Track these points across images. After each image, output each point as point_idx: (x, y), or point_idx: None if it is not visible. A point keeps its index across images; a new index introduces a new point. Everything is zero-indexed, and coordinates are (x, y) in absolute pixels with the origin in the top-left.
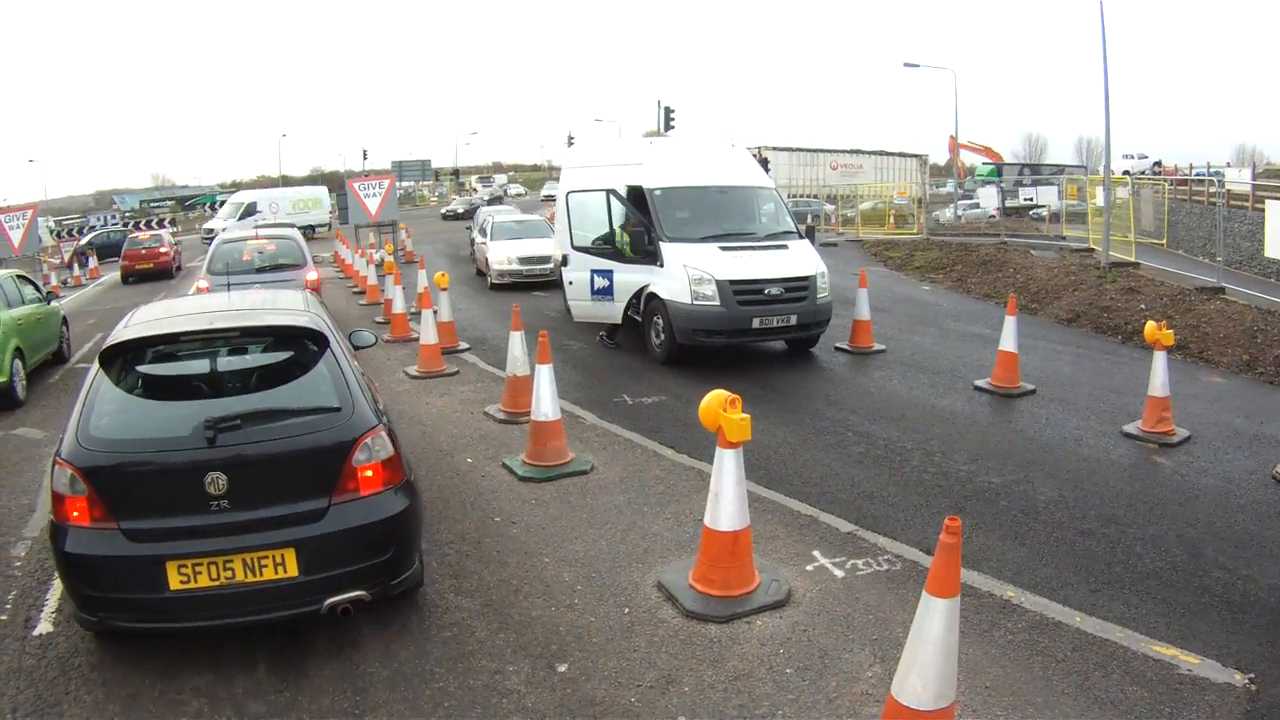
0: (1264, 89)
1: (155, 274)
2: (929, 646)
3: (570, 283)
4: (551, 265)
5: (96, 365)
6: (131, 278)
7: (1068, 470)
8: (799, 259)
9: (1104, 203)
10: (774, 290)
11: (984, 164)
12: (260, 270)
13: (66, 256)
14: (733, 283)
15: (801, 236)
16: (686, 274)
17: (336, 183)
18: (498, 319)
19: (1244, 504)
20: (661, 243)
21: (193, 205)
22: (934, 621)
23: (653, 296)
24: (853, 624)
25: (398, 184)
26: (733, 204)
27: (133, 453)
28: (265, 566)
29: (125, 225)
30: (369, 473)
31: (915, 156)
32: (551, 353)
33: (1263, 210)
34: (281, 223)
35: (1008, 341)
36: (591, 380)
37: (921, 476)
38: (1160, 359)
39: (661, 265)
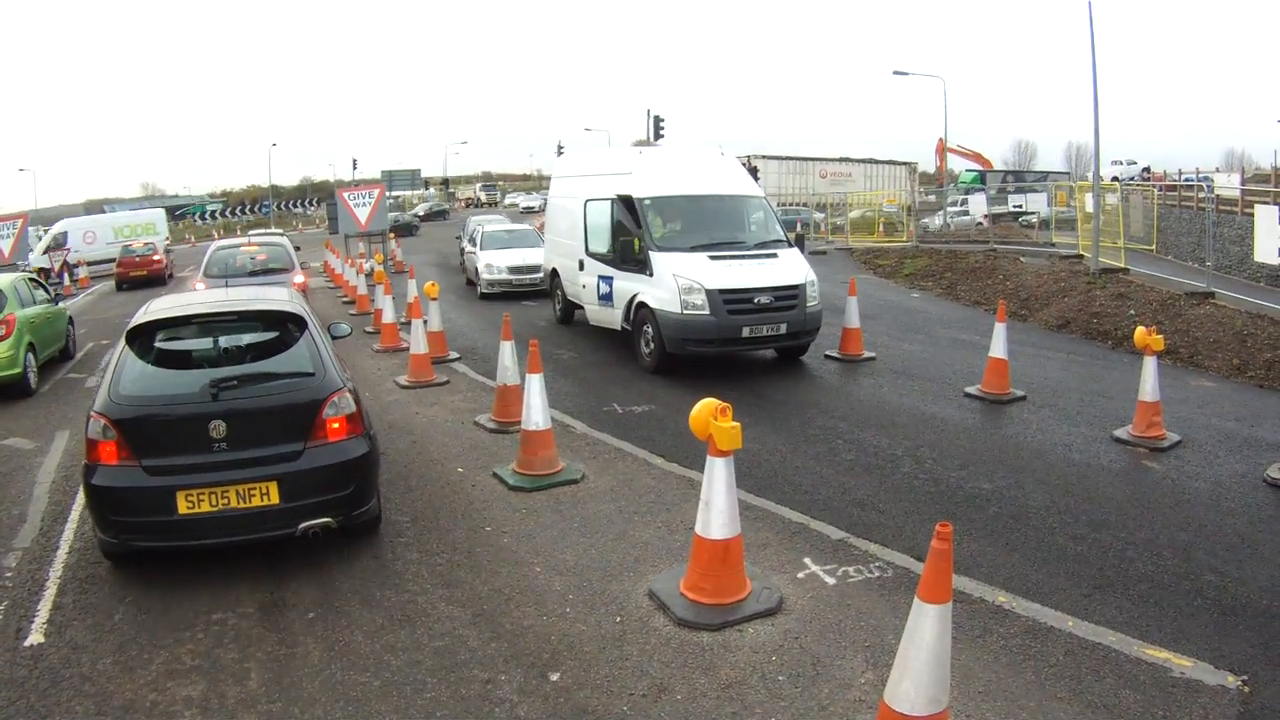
0: (1253, 94)
1: (149, 281)
2: (921, 653)
3: (584, 286)
4: (541, 275)
5: (123, 341)
6: (125, 284)
7: (1058, 476)
8: (788, 268)
9: (1093, 209)
10: (764, 299)
11: (966, 170)
12: (252, 274)
13: (57, 266)
14: (722, 292)
15: (791, 245)
16: (676, 283)
17: (327, 192)
18: (488, 328)
19: (1235, 507)
20: (651, 252)
21: (183, 214)
22: (926, 627)
23: (642, 305)
24: (844, 631)
25: (389, 193)
26: (722, 213)
27: (152, 406)
28: (254, 495)
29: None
30: (335, 424)
31: (904, 164)
32: (542, 362)
33: (1252, 215)
34: (274, 231)
35: (998, 348)
36: (582, 390)
37: (912, 483)
38: (1150, 364)
39: (651, 274)
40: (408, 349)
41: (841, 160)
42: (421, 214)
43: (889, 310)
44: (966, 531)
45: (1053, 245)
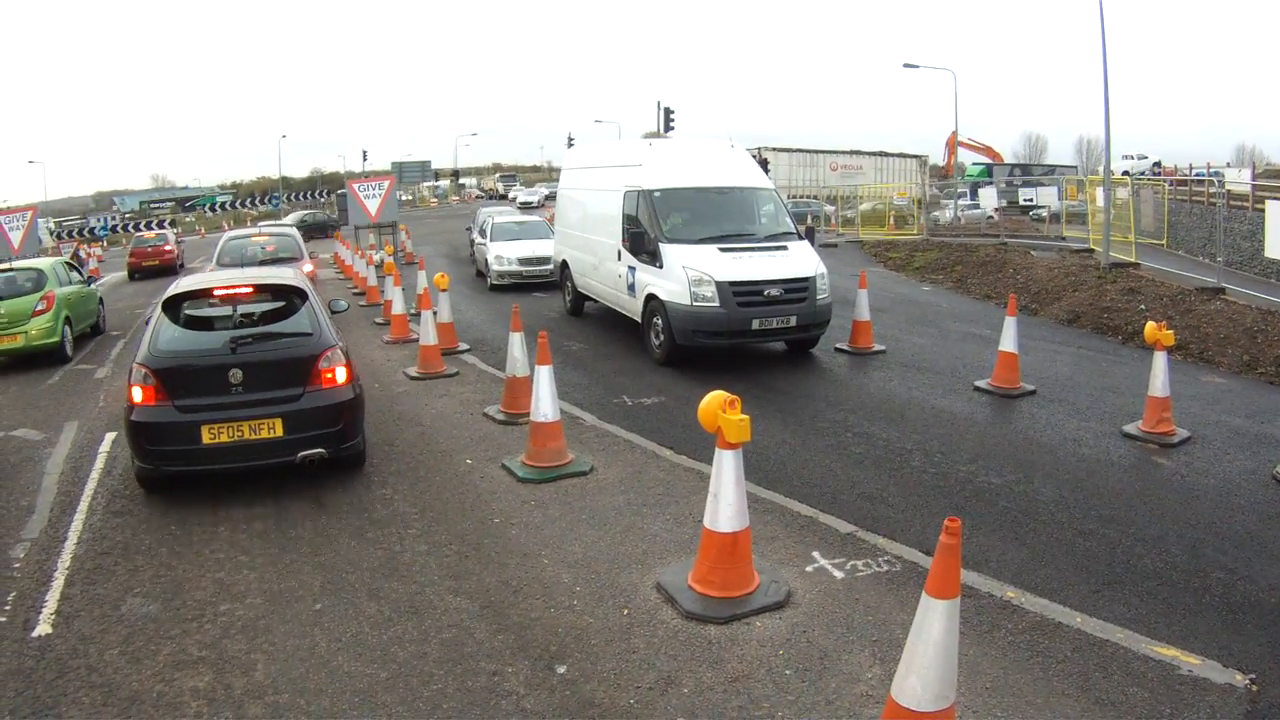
0: (1264, 89)
1: (161, 270)
2: (929, 647)
3: (619, 276)
4: (551, 267)
5: (159, 309)
6: (138, 274)
7: (1068, 471)
8: (798, 260)
9: (1104, 203)
10: (773, 291)
11: (974, 164)
12: (262, 264)
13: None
14: (732, 284)
15: (801, 238)
16: (686, 275)
17: (337, 183)
18: (497, 319)
19: (1244, 504)
20: (661, 244)
21: (193, 206)
22: (934, 622)
23: (652, 297)
24: (852, 625)
25: (399, 185)
26: (732, 205)
27: (183, 358)
28: (262, 429)
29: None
30: (329, 374)
31: (915, 157)
32: (551, 354)
33: (1263, 210)
34: (284, 223)
35: (1008, 342)
36: (591, 381)
37: (921, 477)
38: (1160, 359)
39: (661, 266)
40: (417, 340)
41: (852, 153)
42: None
43: (899, 303)
44: (975, 526)
45: (1063, 239)
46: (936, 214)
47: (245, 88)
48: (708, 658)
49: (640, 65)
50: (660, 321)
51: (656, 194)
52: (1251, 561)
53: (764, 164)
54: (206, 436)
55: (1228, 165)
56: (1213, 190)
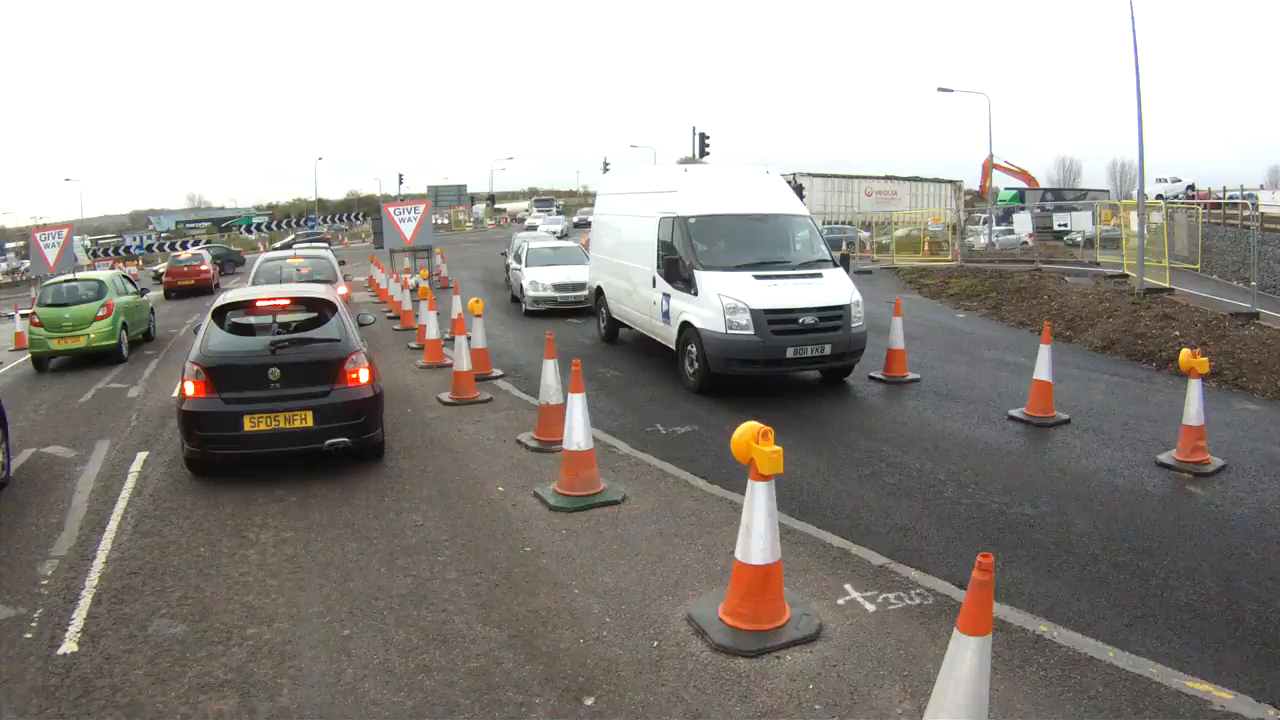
0: None
1: (196, 290)
2: (960, 685)
3: (653, 303)
4: (586, 293)
5: (209, 317)
6: (174, 293)
7: (1101, 501)
8: (834, 288)
9: (1138, 228)
10: (808, 319)
11: (1006, 189)
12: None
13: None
14: (767, 312)
15: (836, 265)
16: (721, 303)
17: (372, 206)
18: (531, 345)
19: (1278, 535)
20: (696, 271)
21: (229, 227)
22: (965, 660)
23: (687, 325)
24: (884, 660)
25: (435, 208)
26: (767, 232)
27: (230, 358)
28: (296, 419)
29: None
30: (353, 375)
31: (949, 182)
32: (584, 381)
33: None
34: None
35: (1042, 371)
36: (625, 409)
37: (955, 508)
38: (1195, 387)
39: (696, 293)
40: (451, 365)
41: (887, 179)
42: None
43: (934, 331)
44: (1008, 558)
45: (1097, 264)
46: (971, 240)
47: (283, 109)
48: (737, 692)
49: (676, 90)
50: (695, 349)
51: (691, 221)
52: None
53: (799, 190)
54: (248, 425)
55: (1260, 188)
56: (1246, 214)
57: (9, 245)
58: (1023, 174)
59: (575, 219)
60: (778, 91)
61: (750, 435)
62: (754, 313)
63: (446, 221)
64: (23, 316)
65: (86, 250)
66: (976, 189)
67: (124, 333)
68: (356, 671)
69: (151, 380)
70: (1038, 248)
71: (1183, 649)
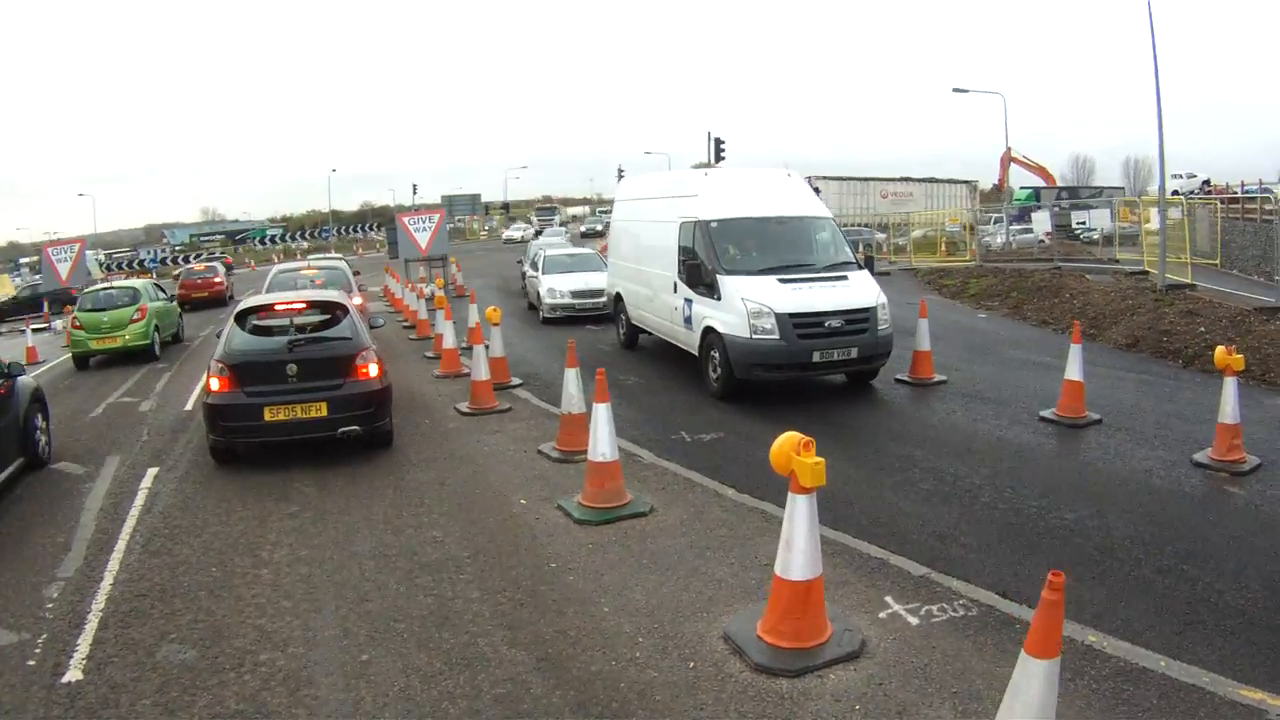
0: None
1: (210, 302)
2: (1028, 710)
3: (675, 309)
4: (604, 299)
5: (232, 320)
6: (188, 305)
7: (1140, 504)
8: (859, 290)
9: (1159, 224)
10: (834, 323)
11: (1021, 188)
12: None
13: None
14: (792, 315)
15: (860, 267)
16: (744, 307)
17: (386, 217)
18: (550, 353)
19: None
20: (718, 275)
21: (243, 239)
22: (1033, 685)
23: (710, 330)
24: (930, 676)
25: (449, 218)
26: (790, 235)
27: (251, 356)
28: (311, 410)
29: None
30: (364, 369)
31: (965, 183)
32: (606, 389)
33: None
34: (333, 255)
35: (1073, 370)
36: (648, 416)
37: (992, 514)
38: (1230, 385)
39: (719, 298)
40: (468, 375)
41: (902, 180)
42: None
43: (956, 331)
44: (1050, 565)
45: (1116, 262)
46: (988, 239)
47: (296, 122)
48: (779, 714)
49: (689, 95)
50: (718, 355)
51: (713, 225)
52: None
53: (815, 192)
54: (268, 415)
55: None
56: (1268, 207)
57: (23, 260)
58: (1040, 170)
59: (583, 228)
60: (792, 94)
61: (791, 446)
62: (779, 316)
63: (462, 226)
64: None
65: (100, 264)
66: (994, 183)
67: (156, 334)
68: (376, 699)
69: (163, 394)
70: (1055, 245)
71: (1235, 656)
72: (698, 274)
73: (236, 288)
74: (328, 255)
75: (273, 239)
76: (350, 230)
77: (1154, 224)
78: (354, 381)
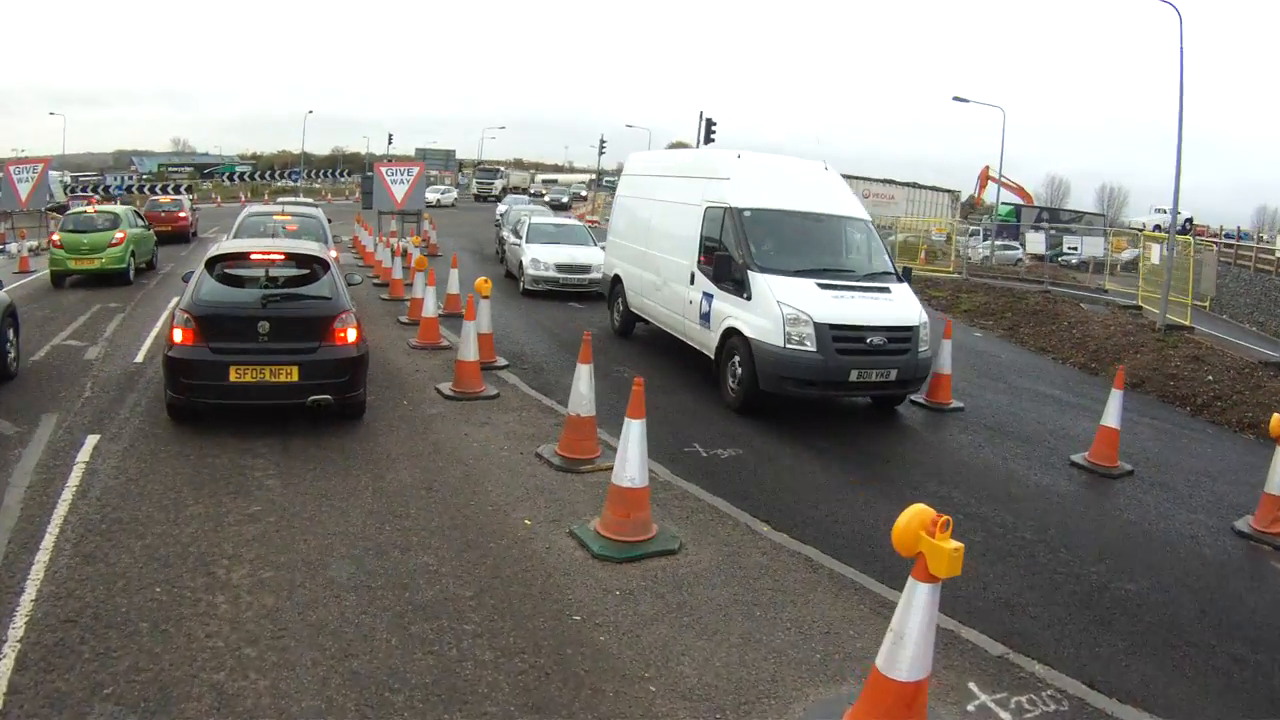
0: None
1: (173, 237)
2: None
3: (690, 302)
4: (590, 276)
5: (202, 266)
6: None
7: (1197, 577)
8: (903, 306)
9: (1158, 260)
10: (876, 339)
11: (1004, 204)
12: None
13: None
14: (833, 327)
15: (901, 279)
16: (780, 311)
17: (358, 164)
18: (535, 331)
19: None
20: (751, 272)
21: (211, 174)
22: None
23: (733, 333)
24: None
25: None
26: (827, 235)
27: (220, 308)
28: (281, 373)
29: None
30: (341, 334)
31: (947, 191)
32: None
33: None
34: (309, 202)
35: (1111, 417)
36: (652, 420)
37: (1054, 579)
38: None
39: (749, 298)
40: (448, 348)
41: (885, 182)
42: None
43: (958, 351)
44: (1128, 649)
45: (1105, 292)
46: (969, 252)
47: (273, 59)
48: None
49: (675, 73)
50: (741, 362)
51: (746, 214)
52: None
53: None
54: (233, 375)
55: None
56: (1264, 255)
57: None
58: (1019, 190)
59: (549, 197)
60: (785, 84)
61: (921, 524)
62: (818, 326)
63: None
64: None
65: (65, 187)
66: (971, 196)
67: (132, 259)
68: None
69: (113, 340)
70: (1042, 268)
71: None
72: (726, 268)
73: (201, 224)
74: (300, 200)
75: (241, 176)
76: (320, 175)
77: (1155, 259)
78: (330, 346)
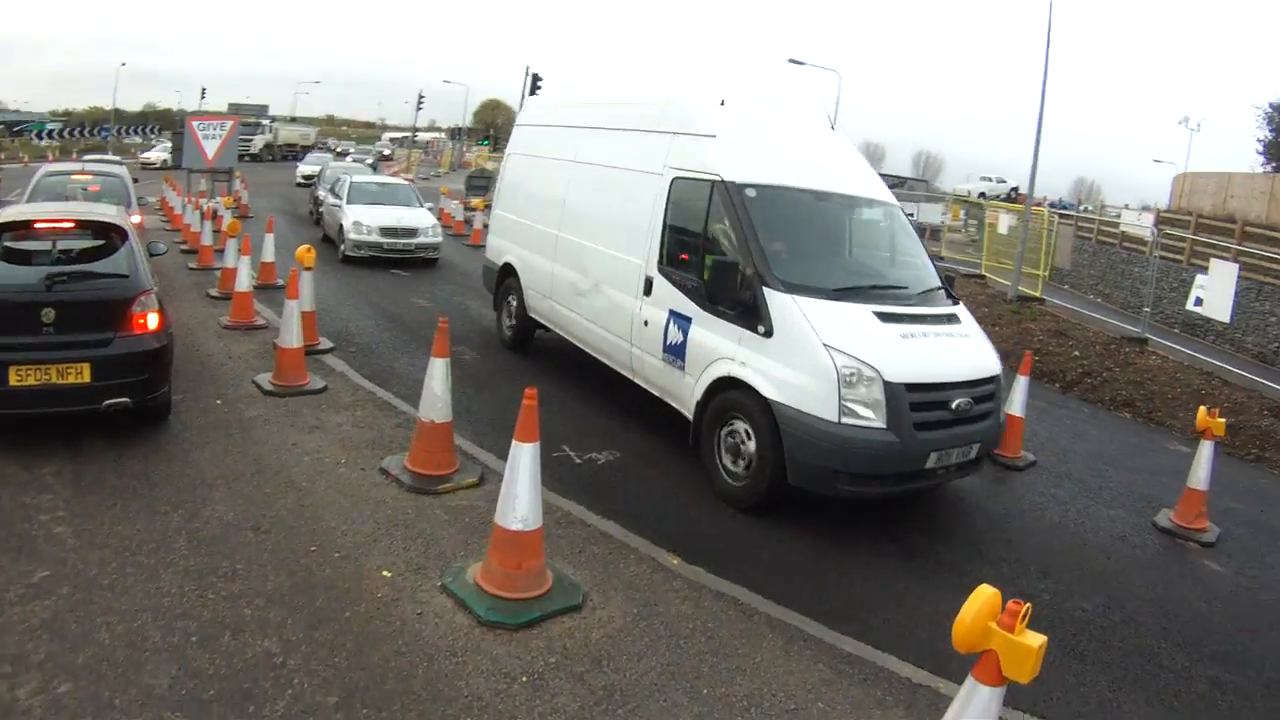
0: (1102, 127)
1: None
2: None
3: (645, 323)
4: (419, 240)
5: None
6: None
7: (1145, 586)
8: (980, 344)
9: (1020, 233)
10: (961, 401)
11: None
12: None
13: None
14: (911, 388)
15: (953, 296)
16: (831, 362)
17: (170, 121)
18: (359, 304)
19: None
20: (769, 290)
21: (20, 131)
22: None
23: (734, 384)
24: None
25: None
26: (863, 230)
27: None
28: (70, 373)
29: None
30: (141, 320)
31: None
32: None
33: (1164, 257)
34: (111, 159)
35: (1016, 406)
36: (505, 414)
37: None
38: (1208, 449)
39: (766, 333)
40: (264, 327)
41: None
42: None
43: None
44: (1111, 684)
45: (940, 259)
46: None
47: (85, 8)
48: None
49: (495, 27)
50: (751, 433)
51: (750, 194)
52: None
53: None
54: (14, 378)
55: (1076, 203)
56: (1106, 228)
57: None
58: None
59: (351, 158)
60: (611, 42)
61: (991, 611)
62: (891, 389)
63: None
64: None
65: None
66: None
67: None
68: None
69: None
70: None
71: None
72: (723, 280)
73: (6, 185)
74: (106, 158)
75: (51, 133)
76: (130, 131)
77: (1003, 229)
78: (128, 336)
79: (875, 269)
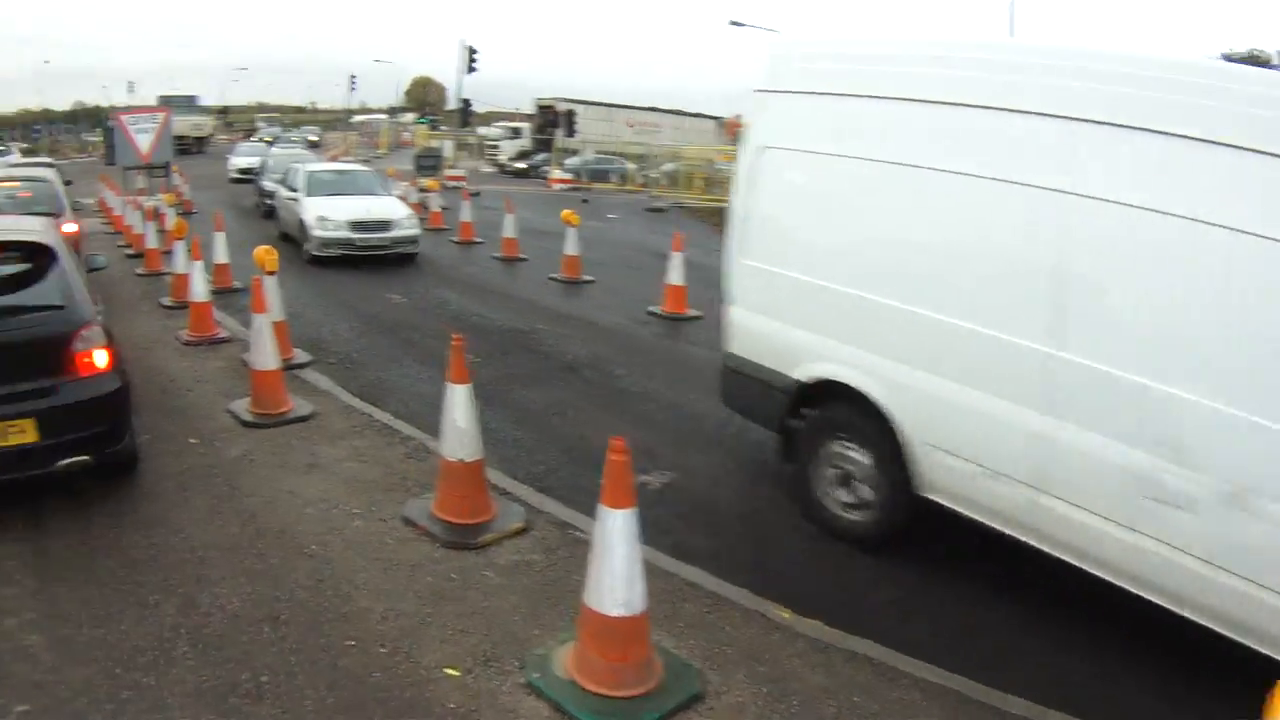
0: None
1: None
2: None
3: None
4: (393, 234)
5: None
6: None
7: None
8: None
9: None
10: None
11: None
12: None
13: None
14: None
15: None
16: None
17: (99, 119)
18: (326, 304)
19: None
20: None
21: None
22: None
23: None
24: None
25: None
26: None
27: None
28: (12, 434)
29: None
30: (86, 359)
31: (713, 119)
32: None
33: None
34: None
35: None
36: (524, 428)
37: None
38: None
39: None
40: (229, 340)
41: (649, 109)
42: None
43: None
44: None
45: None
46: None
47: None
48: None
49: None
50: None
51: None
52: None
53: (570, 116)
54: None
55: None
56: None
57: None
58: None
59: (277, 148)
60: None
61: None
62: None
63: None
64: None
65: None
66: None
67: None
68: None
69: None
70: None
71: None
72: None
73: None
74: (36, 160)
75: None
76: (65, 132)
77: None
78: (75, 381)
79: None
